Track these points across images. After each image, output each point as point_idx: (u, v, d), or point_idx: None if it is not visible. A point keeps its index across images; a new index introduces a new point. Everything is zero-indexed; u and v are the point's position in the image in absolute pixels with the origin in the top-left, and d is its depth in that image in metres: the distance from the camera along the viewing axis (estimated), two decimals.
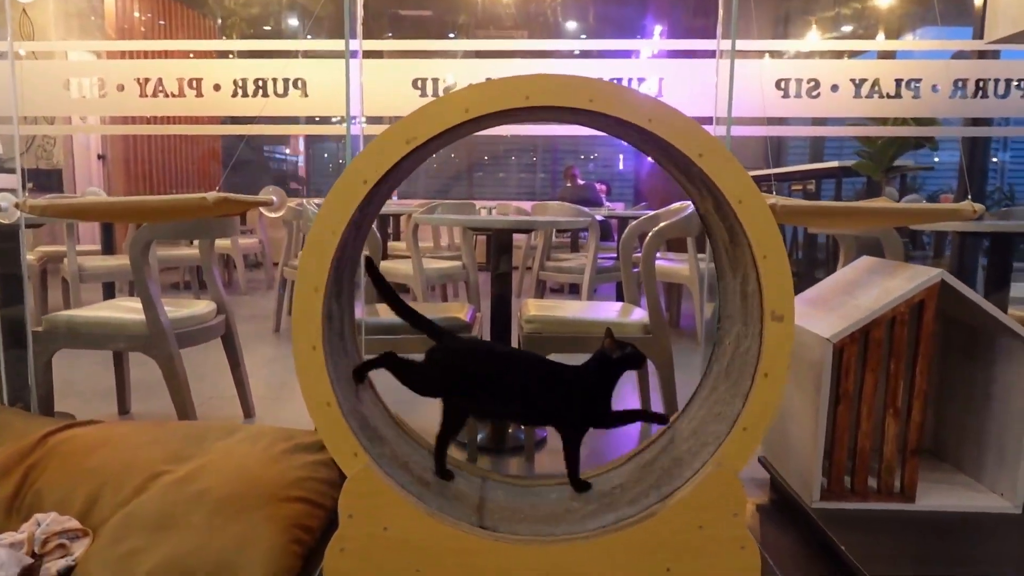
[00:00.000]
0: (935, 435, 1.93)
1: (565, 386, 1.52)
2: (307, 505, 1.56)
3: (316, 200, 3.12)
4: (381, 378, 1.66)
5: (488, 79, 1.37)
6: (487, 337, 2.27)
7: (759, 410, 1.42)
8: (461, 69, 2.47)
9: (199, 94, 2.39)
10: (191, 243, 5.14)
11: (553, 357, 1.59)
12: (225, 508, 1.44)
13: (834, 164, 4.37)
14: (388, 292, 1.57)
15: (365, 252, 1.71)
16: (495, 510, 1.52)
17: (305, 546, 1.48)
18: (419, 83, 2.43)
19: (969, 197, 1.70)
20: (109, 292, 4.07)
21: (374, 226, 2.19)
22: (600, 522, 1.46)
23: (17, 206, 1.63)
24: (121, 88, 2.38)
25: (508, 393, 1.52)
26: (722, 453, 1.43)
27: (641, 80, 2.45)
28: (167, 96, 2.39)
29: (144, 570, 1.28)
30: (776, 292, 1.39)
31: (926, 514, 1.62)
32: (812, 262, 4.73)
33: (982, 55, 2.47)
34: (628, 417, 1.58)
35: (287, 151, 9.52)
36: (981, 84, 2.28)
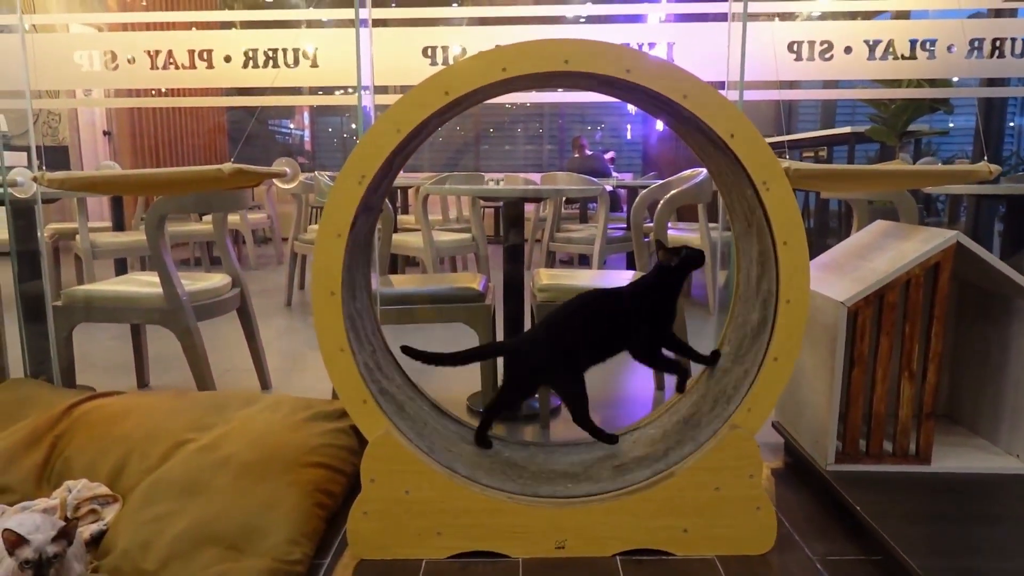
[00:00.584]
0: (950, 399, 1.94)
1: (630, 307, 1.55)
2: (329, 471, 1.59)
3: (328, 172, 3.12)
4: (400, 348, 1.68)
5: (498, 45, 1.37)
6: (500, 308, 2.28)
7: (775, 372, 1.43)
8: (470, 36, 2.45)
9: (210, 66, 2.39)
10: (200, 219, 5.16)
11: None
12: (249, 473, 1.47)
13: (847, 130, 4.32)
14: (435, 357, 1.54)
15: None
16: (514, 473, 1.54)
17: (328, 510, 1.51)
18: (429, 51, 2.41)
19: (985, 158, 1.68)
20: (121, 268, 4.10)
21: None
22: (618, 484, 1.48)
23: (35, 179, 1.64)
24: (132, 61, 2.38)
25: (587, 344, 1.55)
26: (739, 415, 1.45)
27: (652, 45, 2.43)
28: (177, 68, 2.39)
29: (173, 533, 1.32)
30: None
31: (941, 476, 1.64)
32: (823, 230, 4.70)
33: (999, 13, 2.43)
34: (684, 348, 1.61)
35: (292, 125, 9.48)
36: (998, 43, 2.25)
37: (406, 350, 1.55)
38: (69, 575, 1.20)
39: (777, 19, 2.50)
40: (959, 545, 1.35)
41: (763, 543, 1.46)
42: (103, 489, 1.49)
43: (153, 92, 3.36)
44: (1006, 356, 1.72)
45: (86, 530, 1.38)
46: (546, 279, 2.25)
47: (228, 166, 1.56)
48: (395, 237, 3.64)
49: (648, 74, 1.34)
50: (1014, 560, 1.32)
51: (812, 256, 1.46)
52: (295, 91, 2.84)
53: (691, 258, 1.55)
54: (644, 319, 1.55)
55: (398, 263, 4.29)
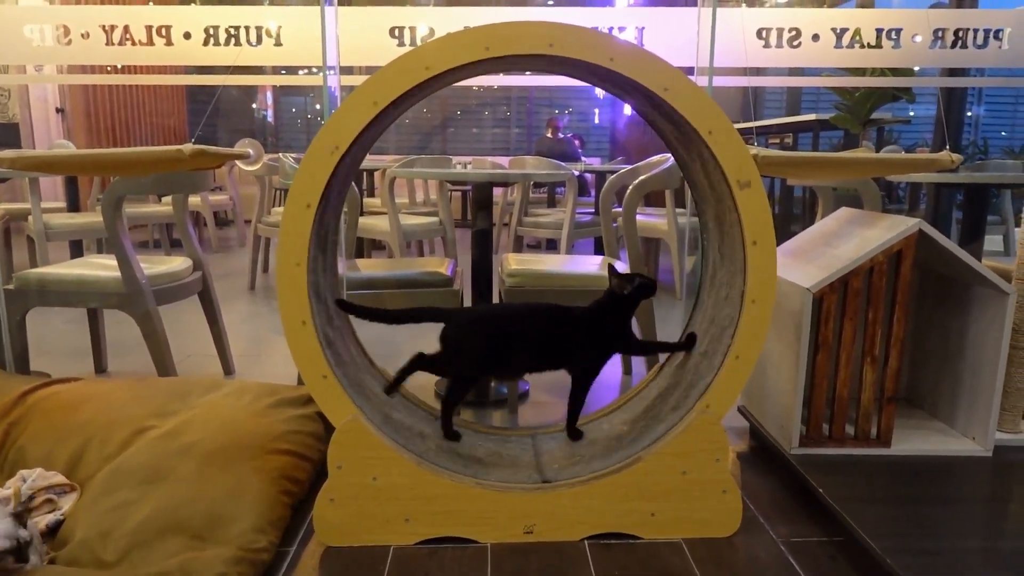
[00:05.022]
0: (910, 383, 1.98)
1: (579, 328, 1.55)
2: (294, 457, 1.56)
3: (293, 155, 3.05)
4: (364, 332, 1.66)
5: (448, 33, 1.35)
6: (468, 292, 2.26)
7: (742, 356, 1.45)
8: (438, 17, 2.41)
9: (169, 42, 2.30)
10: (159, 200, 5.02)
11: None
12: (213, 461, 1.44)
13: (812, 117, 4.38)
14: (371, 312, 1.51)
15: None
16: (481, 460, 1.53)
17: (294, 497, 1.49)
18: (397, 32, 2.37)
19: (947, 147, 1.71)
20: (76, 251, 3.98)
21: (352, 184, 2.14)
22: (586, 469, 1.48)
23: None
24: (86, 35, 2.28)
25: (526, 347, 1.54)
26: (706, 399, 1.46)
27: (621, 29, 2.42)
28: (135, 44, 2.30)
29: (135, 522, 1.28)
30: (754, 222, 1.40)
31: (901, 458, 1.67)
32: (788, 217, 4.77)
33: (960, 4, 2.46)
34: (652, 347, 1.62)
35: (254, 105, 9.27)
36: (960, 34, 2.29)
37: (340, 303, 1.52)
38: (25, 566, 1.16)
39: (744, 5, 2.51)
40: (918, 526, 1.38)
41: (729, 526, 1.48)
42: (59, 478, 1.44)
43: (108, 69, 3.25)
44: (964, 341, 1.76)
45: (42, 520, 1.34)
46: (515, 264, 2.24)
47: (189, 147, 1.51)
48: (361, 220, 3.58)
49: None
50: (970, 540, 1.36)
51: (778, 242, 1.47)
52: (257, 70, 2.76)
53: (644, 288, 1.56)
54: (590, 343, 1.55)
55: (364, 247, 4.24)
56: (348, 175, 1.59)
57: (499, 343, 1.53)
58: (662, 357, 1.74)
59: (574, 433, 1.60)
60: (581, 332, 1.54)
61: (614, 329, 1.57)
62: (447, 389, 1.57)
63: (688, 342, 1.59)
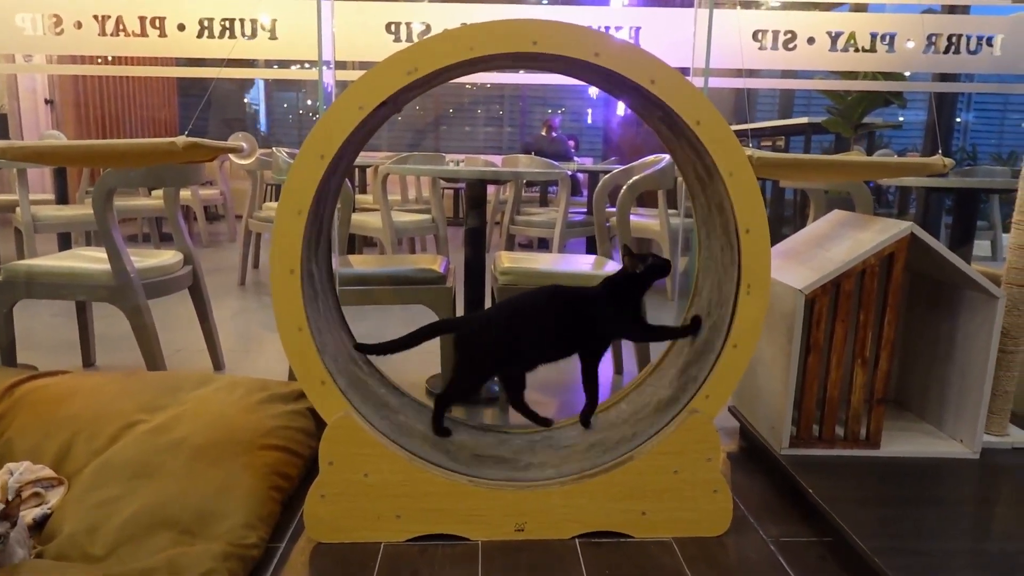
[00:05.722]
0: (899, 385, 2.00)
1: (592, 309, 1.54)
2: (285, 453, 1.56)
3: (287, 149, 3.04)
4: (356, 328, 1.65)
5: (463, 23, 1.35)
6: (461, 291, 2.26)
7: (740, 346, 1.45)
8: (435, 13, 2.40)
9: (162, 34, 2.29)
10: (149, 193, 4.99)
11: None
12: (203, 456, 1.43)
13: (804, 120, 4.40)
14: (389, 346, 1.50)
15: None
16: (474, 457, 1.53)
17: (284, 493, 1.49)
18: (393, 27, 2.36)
19: (940, 152, 1.72)
20: (65, 243, 3.94)
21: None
22: (578, 467, 1.48)
23: None
24: (79, 25, 2.26)
25: (541, 338, 1.54)
26: (698, 399, 1.46)
27: (617, 28, 2.42)
28: (128, 35, 2.28)
29: (123, 517, 1.27)
30: (746, 207, 1.41)
31: (890, 460, 1.69)
32: (779, 219, 4.79)
33: (952, 10, 2.48)
34: (661, 333, 1.64)
35: (245, 99, 9.22)
36: (954, 39, 2.30)
37: (360, 347, 1.53)
38: (12, 560, 1.15)
39: (739, 7, 2.51)
40: (905, 527, 1.39)
41: (719, 525, 1.48)
42: (47, 472, 1.43)
43: (99, 60, 3.22)
44: (953, 344, 1.77)
45: (29, 514, 1.33)
46: (507, 262, 2.24)
47: (182, 139, 1.50)
48: (353, 217, 3.57)
49: (616, 59, 1.33)
50: (957, 540, 1.37)
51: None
52: (250, 63, 2.74)
53: (657, 267, 1.55)
54: (604, 324, 1.55)
55: (356, 243, 4.22)
56: (341, 176, 1.58)
57: (512, 340, 1.53)
58: (654, 356, 1.74)
59: (694, 324, 1.58)
60: (594, 312, 1.54)
61: (626, 308, 1.56)
62: (445, 387, 1.56)
63: (693, 326, 1.58)
